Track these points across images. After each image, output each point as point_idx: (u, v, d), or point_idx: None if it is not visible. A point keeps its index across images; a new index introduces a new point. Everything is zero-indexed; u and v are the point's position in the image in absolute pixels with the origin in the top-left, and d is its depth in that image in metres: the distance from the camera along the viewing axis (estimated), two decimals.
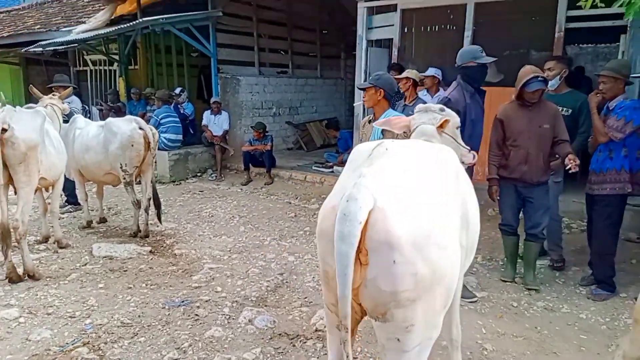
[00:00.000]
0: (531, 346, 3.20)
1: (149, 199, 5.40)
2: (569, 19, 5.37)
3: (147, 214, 5.40)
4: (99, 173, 5.40)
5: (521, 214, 4.16)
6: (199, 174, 8.94)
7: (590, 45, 8.00)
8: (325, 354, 3.02)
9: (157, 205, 5.54)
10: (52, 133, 4.62)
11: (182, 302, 3.79)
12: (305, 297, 3.90)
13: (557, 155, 4.00)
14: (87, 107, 9.25)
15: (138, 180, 5.43)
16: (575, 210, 5.47)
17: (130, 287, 4.04)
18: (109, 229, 5.76)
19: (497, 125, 3.95)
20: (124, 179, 5.20)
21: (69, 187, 6.35)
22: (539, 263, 4.31)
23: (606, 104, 3.80)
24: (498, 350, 3.13)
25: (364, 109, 7.09)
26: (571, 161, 3.57)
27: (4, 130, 3.66)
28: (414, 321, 1.68)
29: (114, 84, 11.39)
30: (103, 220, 5.96)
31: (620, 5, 3.19)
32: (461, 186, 2.01)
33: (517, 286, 4.16)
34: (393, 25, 6.60)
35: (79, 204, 6.55)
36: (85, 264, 4.53)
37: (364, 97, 3.67)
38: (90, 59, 11.89)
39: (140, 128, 5.14)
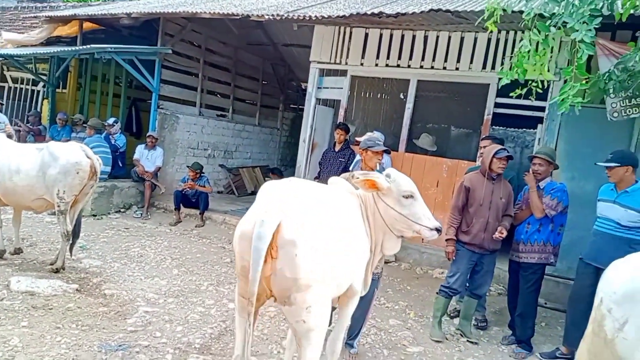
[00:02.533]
0: None
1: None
2: (497, 105, 6.15)
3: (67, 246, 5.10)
4: (28, 197, 4.96)
5: None
6: (122, 210, 8.48)
7: (512, 129, 9.16)
8: None
9: (75, 235, 5.21)
10: None
11: (120, 346, 3.55)
12: (252, 347, 3.83)
13: None
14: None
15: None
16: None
17: (59, 327, 3.70)
18: (24, 261, 5.24)
19: (462, 191, 4.31)
20: (59, 206, 4.85)
21: None
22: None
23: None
24: None
25: (305, 163, 7.35)
26: (500, 233, 4.14)
27: None
28: (312, 303, 2.23)
29: (35, 105, 10.66)
30: (18, 251, 5.41)
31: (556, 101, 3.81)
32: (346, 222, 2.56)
33: (447, 342, 4.43)
34: (342, 88, 7.06)
35: None
36: (2, 299, 4.08)
37: (379, 157, 3.79)
38: (10, 75, 11.08)
39: (88, 157, 4.90)
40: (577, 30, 3.37)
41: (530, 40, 3.55)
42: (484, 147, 4.80)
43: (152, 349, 3.58)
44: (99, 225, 7.35)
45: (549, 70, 3.83)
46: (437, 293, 4.47)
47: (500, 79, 4.01)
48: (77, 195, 4.96)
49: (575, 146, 5.57)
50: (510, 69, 3.79)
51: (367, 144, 3.63)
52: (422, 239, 3.03)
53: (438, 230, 2.83)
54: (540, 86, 3.94)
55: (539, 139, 5.91)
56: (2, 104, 7.26)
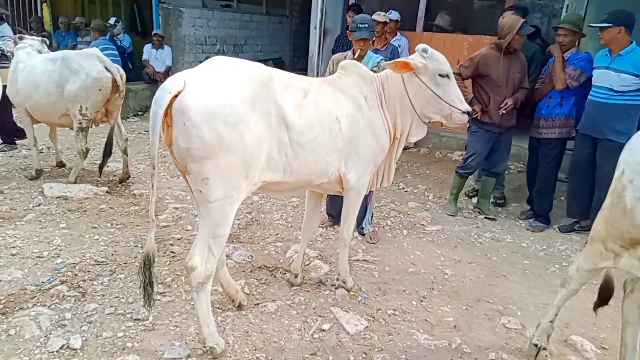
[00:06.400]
0: (484, 270, 3.62)
1: (126, 140, 5.05)
2: None
3: (127, 155, 5.06)
4: (53, 115, 4.74)
5: None
6: (140, 113, 8.54)
7: None
8: (305, 282, 3.25)
9: (107, 154, 4.84)
10: None
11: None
12: (277, 234, 4.05)
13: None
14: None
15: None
16: (513, 153, 5.89)
17: (95, 227, 3.95)
18: (53, 169, 5.42)
19: (473, 65, 4.10)
20: (80, 123, 4.59)
21: (2, 124, 5.89)
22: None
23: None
24: (457, 275, 3.51)
25: (318, 52, 7.05)
26: (505, 105, 4.06)
27: None
28: (208, 175, 2.18)
29: (35, 11, 10.25)
30: (61, 164, 5.42)
31: None
32: (280, 99, 2.36)
33: (465, 220, 4.59)
34: None
35: (14, 143, 6.09)
36: (39, 205, 4.32)
37: (360, 44, 3.39)
38: None
39: (107, 69, 4.54)
40: None
41: None
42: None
43: (185, 240, 3.81)
44: None
45: None
46: (455, 174, 4.53)
47: None
48: (105, 108, 4.75)
49: (607, 11, 5.12)
50: None
51: (351, 27, 3.37)
52: (441, 124, 2.97)
53: (469, 113, 2.76)
54: None
55: (567, 5, 5.44)
56: (9, 15, 6.78)
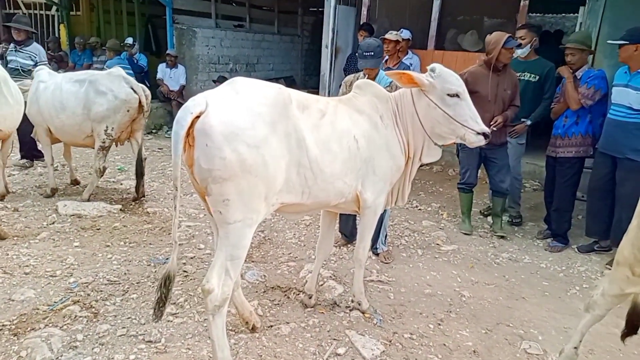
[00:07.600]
0: (502, 292, 3.53)
1: (145, 159, 5.08)
2: None
3: (143, 175, 5.03)
4: (78, 136, 4.78)
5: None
6: (154, 131, 8.62)
7: (550, 15, 8.41)
8: (319, 304, 3.19)
9: (141, 175, 4.89)
10: (10, 82, 4.26)
11: (167, 259, 3.76)
12: (290, 253, 4.00)
13: (522, 120, 4.44)
14: None
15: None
16: (528, 171, 5.92)
17: (109, 246, 3.94)
18: (67, 187, 5.46)
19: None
20: (103, 142, 4.66)
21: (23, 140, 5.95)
22: None
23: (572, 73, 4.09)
24: (475, 297, 3.43)
25: (330, 71, 7.09)
26: (495, 123, 4.02)
27: None
28: (229, 197, 2.16)
29: (51, 31, 10.49)
30: (75, 182, 5.47)
31: None
32: (299, 120, 2.35)
33: (481, 239, 4.51)
34: None
35: (33, 160, 6.16)
36: (53, 223, 4.33)
37: (367, 71, 3.49)
38: (22, 1, 10.81)
39: (134, 91, 4.59)
40: None
41: None
42: (520, 37, 4.45)
43: (198, 259, 3.78)
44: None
45: None
46: (458, 190, 4.59)
47: None
48: (129, 128, 4.82)
49: (622, 29, 5.07)
50: None
51: (357, 53, 3.42)
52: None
53: (485, 135, 2.62)
54: None
55: (581, 23, 5.42)
56: (35, 32, 6.78)
